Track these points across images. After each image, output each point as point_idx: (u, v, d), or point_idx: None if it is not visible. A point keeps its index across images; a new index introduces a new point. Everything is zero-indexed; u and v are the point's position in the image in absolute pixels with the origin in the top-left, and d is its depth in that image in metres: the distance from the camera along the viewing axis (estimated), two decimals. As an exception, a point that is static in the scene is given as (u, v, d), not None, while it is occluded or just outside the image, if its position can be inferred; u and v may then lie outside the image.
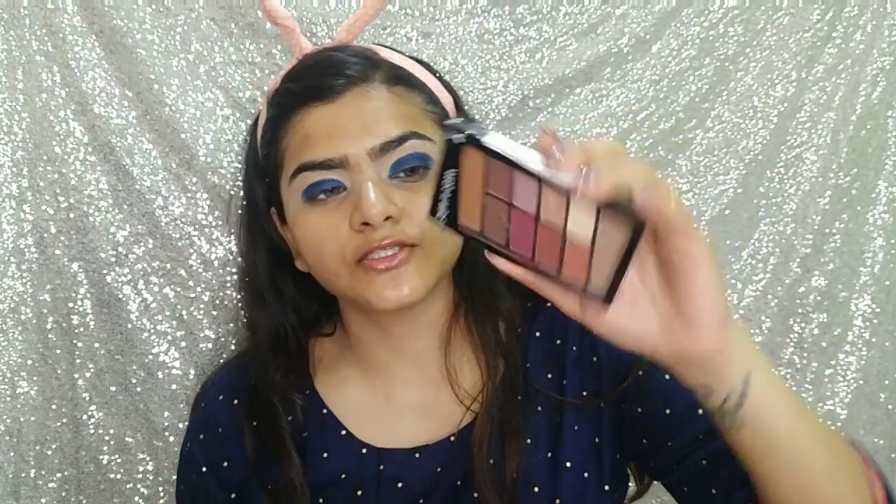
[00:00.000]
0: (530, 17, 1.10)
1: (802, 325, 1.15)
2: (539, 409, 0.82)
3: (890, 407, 1.15)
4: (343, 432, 0.85)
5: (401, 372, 0.86)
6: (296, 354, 0.89)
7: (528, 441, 0.80)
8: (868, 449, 1.13)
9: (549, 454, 0.80)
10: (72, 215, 1.05)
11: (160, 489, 1.08)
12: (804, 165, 1.14)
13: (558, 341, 0.84)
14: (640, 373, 0.79)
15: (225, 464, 0.87)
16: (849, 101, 1.13)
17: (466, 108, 0.91)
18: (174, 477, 1.07)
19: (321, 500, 0.83)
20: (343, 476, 0.83)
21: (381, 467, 0.82)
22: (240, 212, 0.97)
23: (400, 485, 0.82)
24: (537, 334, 0.85)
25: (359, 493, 0.82)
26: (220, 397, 0.90)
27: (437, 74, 0.87)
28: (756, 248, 1.15)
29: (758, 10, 1.12)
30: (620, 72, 1.11)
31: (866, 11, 1.12)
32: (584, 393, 0.81)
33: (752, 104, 1.13)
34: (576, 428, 0.81)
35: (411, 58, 0.86)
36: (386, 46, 0.87)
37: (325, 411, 0.86)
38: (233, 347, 1.04)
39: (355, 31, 0.86)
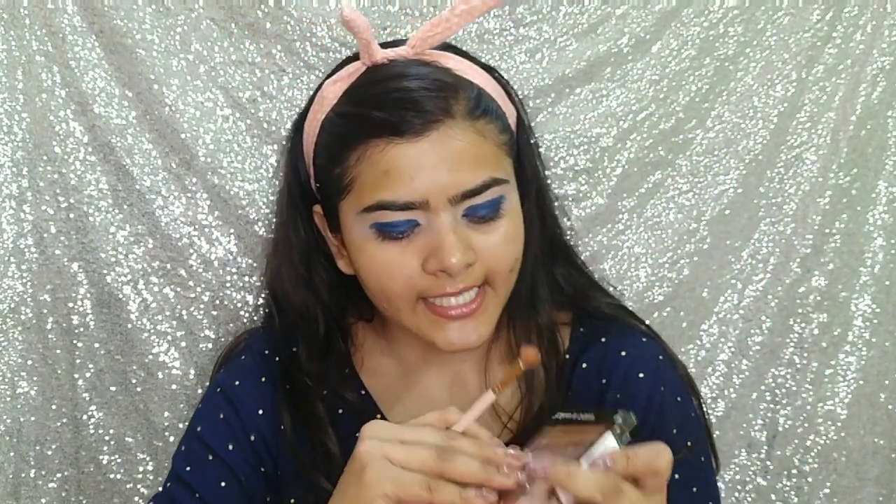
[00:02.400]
0: (530, 17, 1.10)
1: (802, 325, 1.15)
2: None
3: (890, 407, 1.15)
4: (378, 416, 0.85)
5: (440, 382, 0.87)
6: (333, 337, 0.89)
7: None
8: (868, 449, 1.15)
9: None
10: (72, 215, 1.05)
11: (160, 489, 1.08)
12: (804, 165, 1.14)
13: (603, 381, 0.84)
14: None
15: (260, 411, 0.86)
16: (849, 101, 1.13)
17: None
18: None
19: None
20: None
21: None
22: (275, 197, 0.98)
23: None
24: (584, 366, 0.85)
25: None
26: (266, 351, 0.89)
27: (503, 82, 0.85)
28: (756, 248, 1.15)
29: (758, 10, 1.12)
30: (620, 72, 1.11)
31: (866, 11, 1.12)
32: None
33: (752, 104, 1.13)
34: None
35: (479, 64, 0.83)
36: (454, 50, 0.83)
37: (363, 392, 0.87)
38: (233, 347, 1.04)
39: (431, 43, 0.79)
